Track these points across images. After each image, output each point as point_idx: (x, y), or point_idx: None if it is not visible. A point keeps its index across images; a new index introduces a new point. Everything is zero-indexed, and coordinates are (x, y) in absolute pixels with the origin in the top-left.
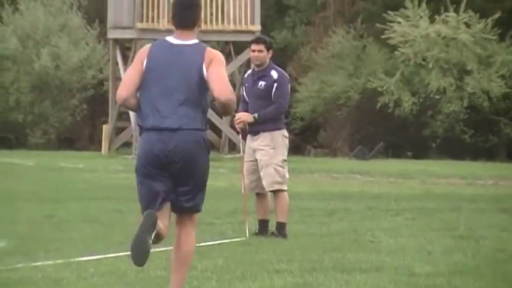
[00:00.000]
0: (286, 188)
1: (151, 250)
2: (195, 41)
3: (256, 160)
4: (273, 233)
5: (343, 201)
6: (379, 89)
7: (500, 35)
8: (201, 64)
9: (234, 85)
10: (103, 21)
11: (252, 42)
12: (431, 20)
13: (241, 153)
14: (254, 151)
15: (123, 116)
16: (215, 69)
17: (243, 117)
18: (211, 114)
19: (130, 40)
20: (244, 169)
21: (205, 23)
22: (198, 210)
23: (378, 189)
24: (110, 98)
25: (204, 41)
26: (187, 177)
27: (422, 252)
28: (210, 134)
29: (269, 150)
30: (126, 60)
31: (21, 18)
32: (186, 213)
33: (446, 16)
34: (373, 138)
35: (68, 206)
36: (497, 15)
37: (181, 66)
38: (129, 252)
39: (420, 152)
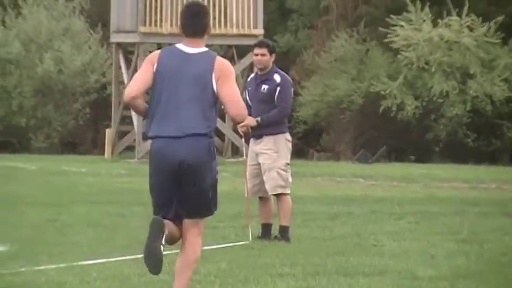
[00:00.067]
0: (289, 192)
1: None
2: (205, 49)
3: (259, 164)
4: (276, 237)
5: (346, 205)
6: (382, 93)
7: (503, 39)
8: (210, 75)
9: None
10: (106, 25)
11: (255, 46)
12: (434, 24)
13: (244, 157)
14: (257, 155)
15: (126, 120)
16: (227, 86)
17: (246, 121)
18: None
19: (133, 44)
20: (247, 173)
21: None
22: (207, 214)
23: (381, 193)
24: (112, 102)
25: (207, 45)
26: (195, 183)
27: (426, 256)
28: None
29: (272, 154)
30: (129, 64)
31: (24, 22)
32: (193, 218)
33: (449, 20)
34: (376, 142)
35: (71, 210)
36: (500, 19)
37: (191, 74)
38: (144, 262)
39: (423, 156)
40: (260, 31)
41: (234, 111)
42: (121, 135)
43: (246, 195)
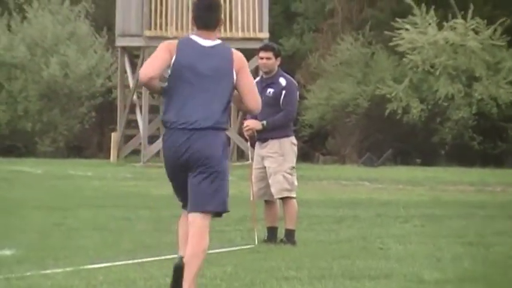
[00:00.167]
0: (294, 195)
1: (160, 257)
2: (219, 41)
3: (265, 167)
4: (281, 240)
5: (352, 209)
6: (388, 96)
7: (508, 42)
8: (231, 67)
9: None
10: (111, 29)
11: (260, 49)
12: (440, 27)
13: (250, 160)
14: (263, 158)
15: (131, 123)
16: (246, 78)
17: (252, 124)
18: None
19: (138, 48)
20: (253, 176)
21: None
22: (219, 212)
23: (387, 196)
24: (118, 106)
25: None
26: (208, 173)
27: (432, 259)
28: None
29: (278, 158)
30: (135, 68)
31: (29, 26)
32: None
33: (455, 23)
34: (382, 145)
35: (77, 213)
36: (505, 20)
37: (212, 67)
38: None
39: (429, 159)
40: (265, 34)
41: (253, 104)
42: (127, 139)
43: (251, 198)
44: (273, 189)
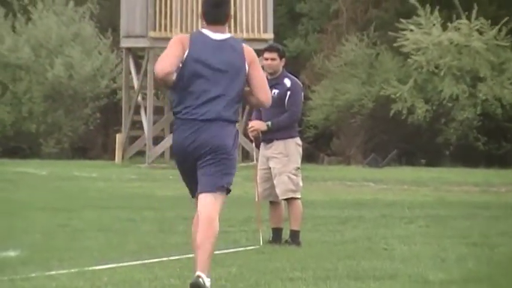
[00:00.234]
0: (299, 196)
1: (165, 258)
2: (229, 34)
3: (270, 168)
4: (286, 241)
5: (356, 209)
6: (393, 96)
7: None
8: (243, 61)
9: None
10: (116, 30)
11: (265, 50)
12: (444, 28)
13: (255, 161)
14: (267, 159)
15: (136, 125)
16: (257, 71)
17: (256, 125)
18: None
19: (143, 49)
20: (258, 177)
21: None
22: (223, 187)
23: (392, 197)
24: (123, 107)
25: None
26: (213, 161)
27: (436, 259)
28: None
29: (282, 159)
30: (139, 69)
31: (34, 28)
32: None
33: (459, 23)
34: (387, 146)
35: (82, 215)
36: (508, 20)
37: (224, 60)
38: None
39: (434, 160)
40: (270, 35)
41: (264, 97)
42: (131, 140)
43: (256, 199)
44: (277, 190)
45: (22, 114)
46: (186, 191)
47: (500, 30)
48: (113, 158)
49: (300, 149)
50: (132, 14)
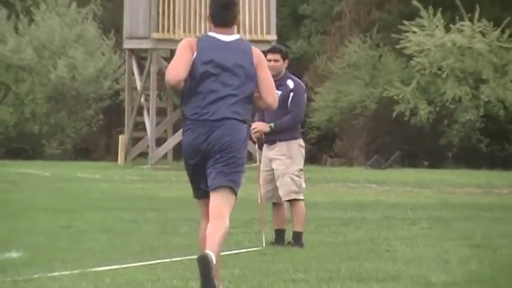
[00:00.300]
0: (302, 198)
1: (167, 260)
2: (237, 36)
3: (273, 170)
4: (289, 243)
5: (359, 211)
6: (395, 98)
7: None
8: (251, 61)
9: None
10: (119, 31)
11: (268, 51)
12: (447, 30)
13: (258, 162)
14: (270, 161)
15: (139, 126)
16: (265, 74)
17: (259, 126)
18: None
19: (146, 50)
20: (261, 179)
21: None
22: (231, 187)
23: (394, 198)
24: (126, 108)
25: None
26: (222, 159)
27: (439, 261)
28: None
29: (285, 160)
30: (142, 70)
31: (36, 29)
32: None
33: (462, 25)
34: (389, 148)
35: (85, 216)
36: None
37: (232, 61)
38: None
39: (436, 161)
40: (273, 37)
41: (271, 99)
42: (134, 141)
43: (259, 201)
44: (280, 192)
45: (25, 115)
46: (189, 192)
47: (503, 31)
48: (116, 159)
49: (303, 151)
50: (135, 16)
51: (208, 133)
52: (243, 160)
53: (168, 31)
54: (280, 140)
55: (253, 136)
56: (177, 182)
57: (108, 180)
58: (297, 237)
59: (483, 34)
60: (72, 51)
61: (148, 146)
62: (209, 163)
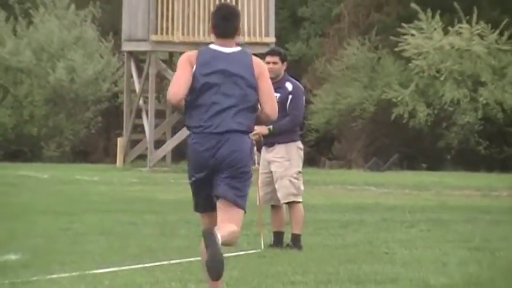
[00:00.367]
0: (301, 200)
1: (166, 262)
2: (239, 48)
3: (271, 172)
4: (288, 245)
5: (358, 213)
6: (394, 100)
7: None
8: (252, 73)
9: None
10: (117, 33)
11: (267, 54)
12: (445, 32)
13: (256, 165)
14: (269, 163)
15: (137, 128)
16: (265, 84)
17: (258, 129)
18: None
19: (144, 52)
20: (259, 181)
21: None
22: (238, 204)
23: (393, 201)
24: (124, 111)
25: None
26: (228, 174)
27: (438, 263)
28: None
29: (284, 162)
30: (141, 73)
31: (35, 31)
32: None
33: (460, 28)
34: (388, 150)
35: (83, 218)
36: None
37: (234, 73)
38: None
39: (435, 164)
40: (272, 39)
41: (269, 109)
42: (133, 143)
43: (258, 203)
44: (279, 194)
45: (23, 117)
46: (187, 194)
47: (501, 34)
48: (115, 162)
49: (302, 153)
50: (134, 18)
51: (214, 148)
52: (250, 173)
53: (167, 33)
54: (278, 143)
55: (251, 138)
56: (175, 185)
57: (107, 183)
58: (296, 240)
59: (481, 37)
60: (71, 54)
61: (147, 149)
62: (217, 178)
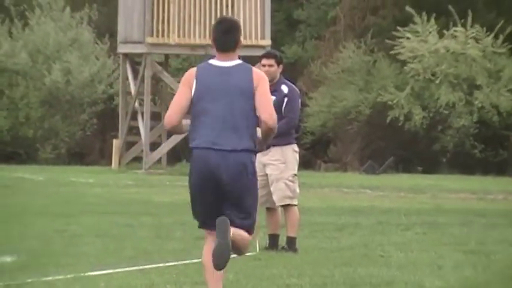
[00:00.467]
0: (296, 203)
1: (161, 264)
2: (239, 61)
3: (267, 175)
4: (283, 248)
5: (353, 216)
6: (390, 103)
7: (511, 50)
8: (251, 84)
9: None
10: (113, 35)
11: (263, 56)
12: (440, 35)
13: None
14: (264, 166)
15: (133, 130)
16: (263, 94)
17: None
18: None
19: (140, 55)
20: None
21: None
22: (247, 230)
23: (388, 204)
24: (120, 113)
25: (210, 56)
26: (234, 196)
27: (433, 267)
28: None
29: (279, 165)
30: (136, 75)
31: (31, 33)
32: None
33: (455, 31)
34: (384, 153)
35: (79, 220)
36: (503, 25)
37: (234, 87)
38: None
39: (430, 167)
40: (267, 42)
41: (265, 115)
42: (128, 145)
43: None
44: (274, 197)
45: (19, 119)
46: (183, 196)
47: (496, 37)
48: (110, 164)
49: (297, 156)
50: (129, 20)
51: (216, 167)
52: (256, 189)
53: (163, 36)
54: (274, 145)
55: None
56: (171, 187)
57: (103, 185)
58: (291, 243)
59: (476, 40)
60: (67, 56)
61: (142, 151)
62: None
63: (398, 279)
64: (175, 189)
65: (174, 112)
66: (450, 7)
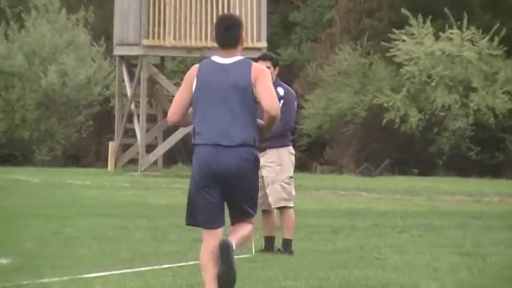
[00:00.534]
0: (292, 205)
1: (157, 267)
2: (240, 57)
3: (263, 177)
4: (279, 250)
5: (349, 218)
6: (385, 105)
7: (506, 52)
8: (249, 80)
9: None
10: (109, 37)
11: (259, 59)
12: (436, 38)
13: None
14: (260, 168)
15: (129, 132)
16: (262, 83)
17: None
18: None
19: (136, 57)
20: None
21: (212, 39)
22: (251, 215)
23: (384, 206)
24: (116, 115)
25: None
26: (237, 191)
27: (429, 269)
28: None
29: (275, 167)
30: (132, 77)
31: (27, 35)
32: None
33: (451, 33)
34: (379, 155)
35: (75, 222)
36: (499, 27)
37: (233, 83)
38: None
39: (426, 169)
40: (264, 44)
41: (268, 103)
42: (124, 148)
43: None
44: (270, 199)
45: (15, 121)
46: (178, 199)
47: (492, 39)
48: (106, 166)
49: (293, 158)
50: (125, 22)
51: (219, 163)
52: (257, 185)
53: (159, 38)
54: (270, 147)
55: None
56: (167, 189)
57: (98, 187)
58: (287, 245)
59: (472, 42)
60: (63, 58)
61: (138, 153)
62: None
63: (394, 281)
64: (171, 191)
65: (175, 109)
66: (446, 9)
